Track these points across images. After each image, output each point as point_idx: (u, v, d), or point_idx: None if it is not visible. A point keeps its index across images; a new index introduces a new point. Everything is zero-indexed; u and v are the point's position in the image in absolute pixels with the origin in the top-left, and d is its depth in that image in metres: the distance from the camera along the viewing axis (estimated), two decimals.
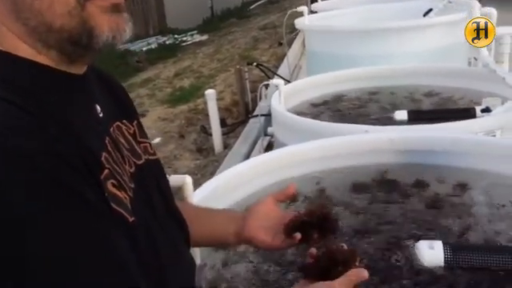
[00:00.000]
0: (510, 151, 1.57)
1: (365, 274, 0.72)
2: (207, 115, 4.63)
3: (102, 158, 0.66)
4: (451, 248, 1.10)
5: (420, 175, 1.59)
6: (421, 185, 1.55)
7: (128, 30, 0.68)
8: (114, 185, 0.66)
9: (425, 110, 2.40)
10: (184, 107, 5.73)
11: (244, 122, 4.61)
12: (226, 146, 4.49)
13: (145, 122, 5.45)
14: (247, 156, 3.48)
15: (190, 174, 1.22)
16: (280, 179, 1.50)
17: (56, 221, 0.55)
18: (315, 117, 2.33)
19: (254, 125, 4.03)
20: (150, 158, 0.86)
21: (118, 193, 0.66)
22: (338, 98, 2.65)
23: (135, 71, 7.72)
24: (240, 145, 4.10)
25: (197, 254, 1.16)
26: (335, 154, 1.65)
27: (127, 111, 0.85)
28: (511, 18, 3.26)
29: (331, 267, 0.76)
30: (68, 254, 0.55)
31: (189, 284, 0.85)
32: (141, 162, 0.80)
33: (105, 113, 0.75)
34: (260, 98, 3.85)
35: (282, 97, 2.28)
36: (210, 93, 4.54)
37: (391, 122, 2.18)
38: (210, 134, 4.66)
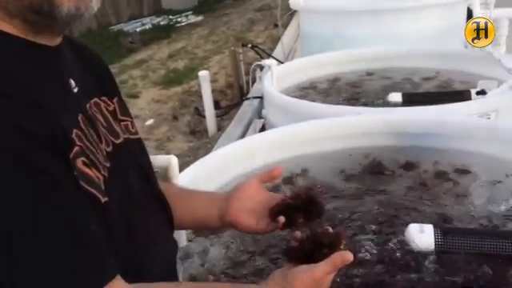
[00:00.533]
0: (505, 134, 1.55)
1: (349, 256, 0.69)
2: (201, 97, 4.57)
3: (73, 135, 0.63)
4: (442, 232, 1.07)
5: (413, 157, 1.56)
6: (413, 167, 1.53)
7: (95, 1, 0.66)
8: (84, 163, 0.63)
9: (419, 92, 2.37)
10: (178, 89, 5.67)
11: (238, 105, 4.56)
12: (220, 129, 4.45)
13: (138, 103, 5.41)
14: (241, 138, 3.45)
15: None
16: (269, 161, 1.46)
17: (14, 192, 0.54)
18: (309, 98, 2.29)
19: (248, 107, 3.99)
20: (131, 137, 0.83)
21: (88, 171, 0.63)
22: (333, 80, 2.61)
23: (129, 52, 7.61)
24: (233, 127, 4.06)
25: (183, 236, 1.14)
26: (327, 136, 1.62)
27: (107, 88, 0.82)
28: (509, 1, 3.21)
29: (316, 250, 0.74)
30: (27, 227, 0.54)
31: (170, 265, 0.83)
32: (119, 140, 0.77)
33: (81, 88, 0.72)
34: (253, 80, 3.80)
35: (275, 78, 2.23)
36: (204, 74, 4.48)
37: (385, 104, 2.15)
38: (204, 116, 4.61)
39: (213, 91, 4.67)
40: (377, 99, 2.28)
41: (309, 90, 2.51)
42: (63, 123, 0.62)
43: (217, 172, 1.35)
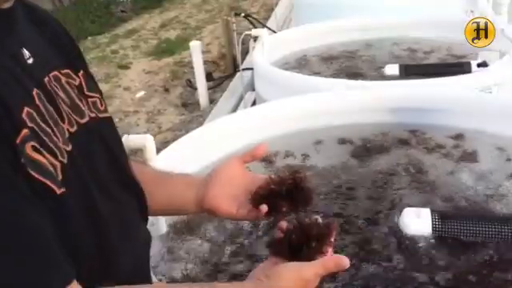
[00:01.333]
0: (505, 109, 1.47)
1: (344, 262, 0.61)
2: (193, 68, 4.45)
3: (23, 114, 0.55)
4: (440, 216, 1.01)
5: (408, 133, 1.49)
6: (408, 143, 1.46)
7: None
8: (35, 148, 0.55)
9: (418, 64, 2.27)
10: (169, 60, 5.54)
11: (231, 76, 4.45)
12: (212, 101, 4.35)
13: (128, 74, 5.28)
14: (233, 112, 3.36)
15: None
16: (256, 140, 1.37)
17: None
18: (301, 70, 2.19)
19: (240, 79, 3.88)
20: (100, 115, 0.74)
21: (40, 158, 0.55)
22: (328, 51, 2.50)
23: (119, 21, 7.42)
24: (225, 100, 3.96)
25: (162, 223, 1.06)
26: (315, 112, 1.53)
27: (71, 59, 0.73)
28: None
29: (303, 243, 0.66)
30: None
31: (142, 261, 0.75)
32: (84, 120, 0.69)
33: (37, 60, 0.63)
34: (247, 51, 3.68)
35: (266, 48, 2.12)
36: (195, 44, 4.35)
37: (382, 76, 2.06)
38: (196, 88, 4.50)
39: (205, 62, 4.54)
40: (373, 71, 2.18)
41: (302, 62, 2.41)
42: (10, 101, 0.53)
43: (196, 153, 1.26)
